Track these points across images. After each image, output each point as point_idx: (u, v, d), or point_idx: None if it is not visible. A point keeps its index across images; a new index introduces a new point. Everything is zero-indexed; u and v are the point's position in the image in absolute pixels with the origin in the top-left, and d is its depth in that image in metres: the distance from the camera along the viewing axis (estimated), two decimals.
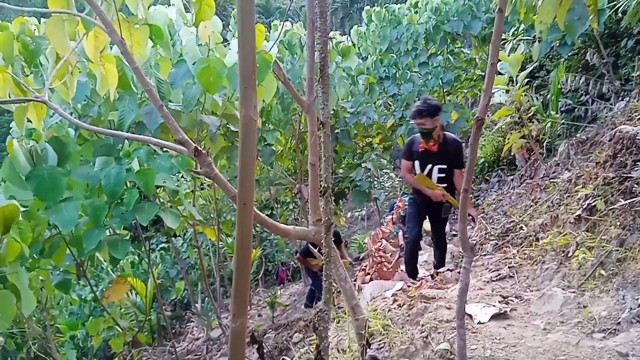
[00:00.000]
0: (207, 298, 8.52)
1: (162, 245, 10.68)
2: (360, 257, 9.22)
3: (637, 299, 2.14)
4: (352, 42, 9.16)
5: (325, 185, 1.52)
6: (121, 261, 7.13)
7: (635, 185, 2.70)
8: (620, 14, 5.97)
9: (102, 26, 1.67)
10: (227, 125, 5.34)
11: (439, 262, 4.64)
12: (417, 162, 4.27)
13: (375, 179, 9.95)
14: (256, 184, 7.57)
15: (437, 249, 4.72)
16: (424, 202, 4.34)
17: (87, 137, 4.34)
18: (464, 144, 5.45)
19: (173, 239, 7.88)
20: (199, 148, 1.89)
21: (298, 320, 5.99)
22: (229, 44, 4.81)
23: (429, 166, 4.24)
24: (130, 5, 3.15)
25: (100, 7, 1.73)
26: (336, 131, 7.98)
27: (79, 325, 7.63)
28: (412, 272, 4.51)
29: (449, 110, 8.43)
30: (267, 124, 6.48)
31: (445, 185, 4.16)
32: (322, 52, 1.32)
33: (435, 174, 4.23)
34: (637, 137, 2.89)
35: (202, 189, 7.08)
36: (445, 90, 9.34)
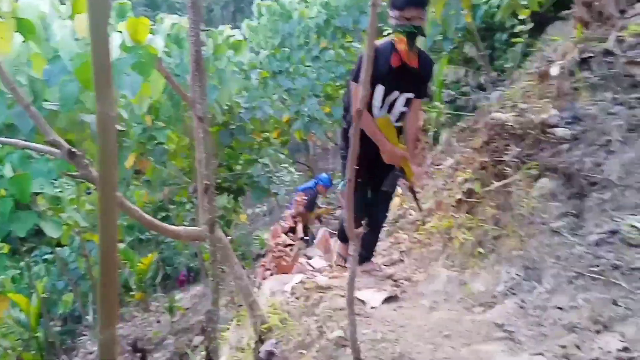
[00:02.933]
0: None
1: (47, 256, 9.91)
2: (263, 254, 9.19)
3: (510, 273, 2.32)
4: (244, 36, 9.06)
5: (207, 182, 1.47)
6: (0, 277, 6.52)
7: (507, 168, 2.92)
8: (495, 9, 6.46)
9: None
10: None
11: (367, 251, 3.25)
12: (380, 88, 2.86)
13: (274, 174, 9.95)
14: (148, 185, 7.25)
15: (369, 233, 3.03)
16: (366, 161, 2.87)
17: None
18: None
19: (58, 248, 7.34)
20: (73, 150, 1.76)
21: (199, 323, 5.84)
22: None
23: (395, 95, 2.90)
24: None
25: None
26: (231, 127, 7.85)
27: None
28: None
29: (342, 104, 8.62)
30: (156, 122, 6.21)
31: (399, 126, 3.03)
32: (195, 45, 1.27)
33: (399, 108, 2.95)
34: (506, 124, 3.12)
35: (88, 193, 6.66)
36: (337, 84, 9.54)
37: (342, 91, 10.01)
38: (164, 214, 9.03)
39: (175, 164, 7.99)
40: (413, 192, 3.19)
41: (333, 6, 8.43)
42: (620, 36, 3.23)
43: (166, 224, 2.17)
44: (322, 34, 8.67)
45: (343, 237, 3.61)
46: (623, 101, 2.80)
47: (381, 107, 2.94)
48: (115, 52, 4.31)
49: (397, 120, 2.99)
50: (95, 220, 6.71)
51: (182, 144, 7.79)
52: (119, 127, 5.38)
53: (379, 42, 2.92)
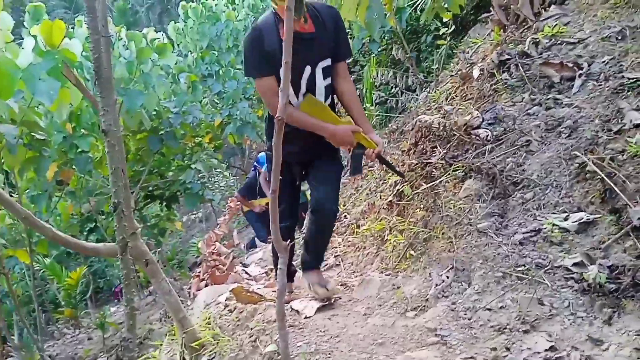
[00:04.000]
0: (25, 328, 7.57)
1: None
2: (198, 263, 8.96)
3: (441, 275, 2.34)
4: (171, 39, 8.79)
5: (116, 201, 1.36)
6: None
7: (434, 170, 2.96)
8: (419, 12, 6.61)
9: None
10: (32, 134, 4.79)
11: (313, 256, 2.69)
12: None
13: (208, 179, 9.74)
14: (73, 196, 6.88)
15: (314, 230, 2.63)
16: (297, 154, 2.50)
17: None
18: None
19: None
20: None
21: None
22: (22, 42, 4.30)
23: (307, 70, 2.39)
24: None
25: None
26: (161, 133, 7.59)
27: None
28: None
29: None
30: (78, 129, 5.89)
31: (329, 101, 2.54)
32: (94, 52, 1.17)
33: (321, 83, 2.44)
34: (432, 125, 3.17)
35: None
36: None
37: None
38: (92, 225, 8.59)
39: (102, 173, 7.62)
40: (384, 161, 2.64)
41: (260, 8, 8.34)
42: (535, 38, 3.37)
43: (84, 242, 2.03)
44: None
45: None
46: (540, 102, 2.91)
47: (297, 92, 2.42)
48: (29, 57, 4.07)
49: (326, 99, 2.49)
50: (17, 235, 6.28)
51: None
52: (38, 136, 5.07)
53: (259, 20, 2.45)
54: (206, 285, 4.74)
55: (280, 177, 1.80)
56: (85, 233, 7.87)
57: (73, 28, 6.01)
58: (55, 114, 4.78)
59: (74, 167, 6.37)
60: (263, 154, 6.47)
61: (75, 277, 8.53)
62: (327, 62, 2.43)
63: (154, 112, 7.18)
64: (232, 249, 6.02)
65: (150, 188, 8.18)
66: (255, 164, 7.64)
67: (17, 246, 5.95)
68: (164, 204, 8.74)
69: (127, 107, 5.43)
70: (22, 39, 4.49)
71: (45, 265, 7.98)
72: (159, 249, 7.75)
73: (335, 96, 2.58)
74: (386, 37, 6.83)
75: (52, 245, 8.53)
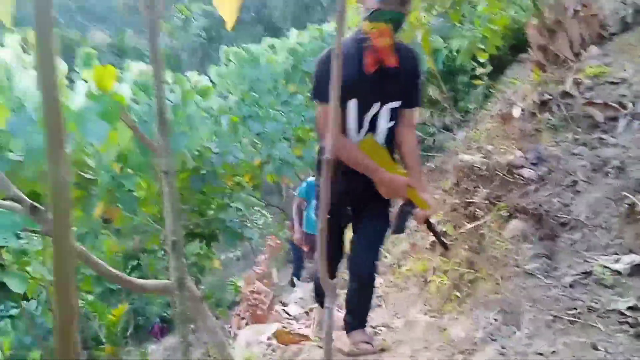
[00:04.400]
0: None
1: (13, 311, 9.47)
2: (238, 301, 9.00)
3: (488, 317, 2.30)
4: (212, 81, 9.14)
5: (175, 239, 1.43)
6: None
7: (477, 210, 2.95)
8: (455, 53, 6.70)
9: None
10: (80, 173, 5.02)
11: (356, 316, 2.51)
12: (353, 102, 2.18)
13: (247, 218, 9.88)
14: (118, 234, 7.09)
15: (355, 290, 2.48)
16: (348, 199, 2.35)
17: None
18: None
19: (25, 302, 7.04)
20: (35, 205, 1.70)
21: None
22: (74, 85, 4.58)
23: (375, 108, 2.21)
24: None
25: None
26: (202, 172, 7.81)
27: None
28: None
29: (313, 146, 8.70)
30: (125, 169, 6.13)
31: (389, 149, 2.31)
32: (158, 96, 1.26)
33: (383, 125, 2.25)
34: (474, 165, 3.18)
35: None
36: (308, 126, 9.65)
37: (312, 133, 10.12)
38: (135, 263, 8.80)
39: (146, 211, 7.85)
40: (431, 227, 2.40)
41: (300, 52, 8.62)
42: (577, 78, 3.37)
43: (132, 277, 2.10)
44: (290, 79, 8.81)
45: (321, 298, 2.68)
46: (585, 141, 2.89)
47: (359, 128, 2.22)
48: (81, 100, 4.31)
49: (385, 142, 2.27)
50: None
51: (153, 190, 7.68)
52: (86, 176, 5.30)
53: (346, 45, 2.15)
54: (247, 324, 4.77)
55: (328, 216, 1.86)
56: (128, 270, 8.06)
57: (122, 72, 6.35)
58: (103, 155, 4.98)
59: (119, 205, 6.58)
60: (304, 183, 6.17)
61: (116, 314, 8.69)
62: (397, 104, 2.24)
63: (196, 152, 7.41)
64: (272, 288, 6.04)
65: (191, 226, 8.35)
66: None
67: None
68: (204, 242, 8.89)
69: (172, 148, 5.64)
70: (72, 82, 4.77)
71: (88, 302, 8.17)
72: (200, 287, 7.84)
73: (393, 144, 2.33)
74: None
75: (96, 283, 8.76)
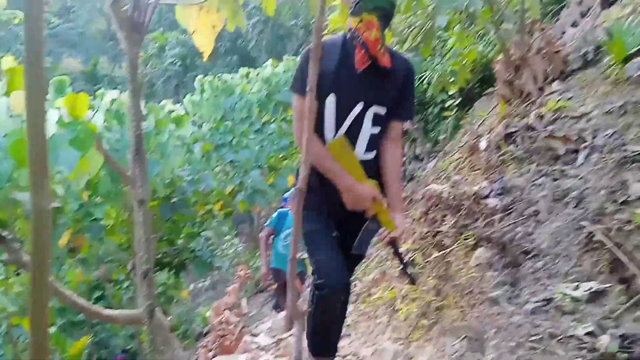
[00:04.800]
0: None
1: None
2: (204, 332, 8.83)
3: (454, 345, 2.34)
4: (186, 110, 9.15)
5: (146, 267, 1.44)
6: None
7: (445, 239, 3.02)
8: (425, 84, 6.90)
9: None
10: None
11: (325, 343, 2.16)
12: (332, 98, 2.00)
13: (217, 247, 9.79)
14: (83, 263, 6.93)
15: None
16: (332, 205, 2.08)
17: None
18: None
19: None
20: (2, 234, 1.69)
21: None
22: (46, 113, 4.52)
23: (358, 107, 2.01)
24: None
25: None
26: (173, 200, 7.75)
27: None
28: (326, 348, 2.18)
29: (286, 175, 8.74)
30: (94, 197, 6.04)
31: (371, 159, 2.09)
32: (135, 130, 1.29)
33: (367, 129, 2.04)
34: (442, 195, 3.26)
35: (17, 274, 6.25)
36: (281, 155, 9.71)
37: (285, 162, 10.17)
38: (99, 294, 8.57)
39: (113, 240, 7.71)
40: (397, 253, 2.13)
41: (274, 82, 8.75)
42: (540, 112, 3.52)
43: (102, 309, 2.07)
44: (264, 108, 8.91)
45: (317, 348, 2.17)
46: (547, 173, 3.00)
47: (336, 128, 2.01)
48: (52, 128, 4.26)
49: (368, 149, 2.05)
50: (24, 303, 6.27)
51: (121, 219, 7.56)
52: (54, 204, 5.20)
53: (327, 37, 2.14)
54: (214, 356, 4.68)
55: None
56: (92, 301, 7.84)
57: (94, 99, 6.32)
58: (73, 183, 4.91)
59: (86, 234, 6.46)
60: (276, 212, 5.58)
61: (78, 347, 8.41)
62: (382, 110, 2.04)
63: (168, 180, 7.36)
64: (242, 318, 5.96)
65: (160, 255, 8.23)
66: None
67: (24, 315, 5.93)
68: (173, 271, 8.75)
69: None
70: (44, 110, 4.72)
71: (50, 335, 7.90)
72: (168, 318, 7.67)
73: (374, 159, 2.10)
74: None
75: (59, 314, 8.49)
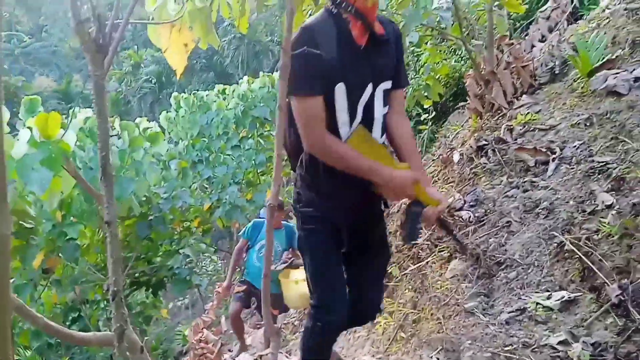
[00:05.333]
0: None
1: None
2: (184, 351, 8.69)
3: (431, 357, 2.35)
4: (162, 127, 9.09)
5: (115, 289, 1.42)
6: None
7: (421, 251, 3.04)
8: None
9: None
10: (20, 223, 4.83)
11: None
12: (341, 87, 1.72)
13: (196, 264, 9.69)
14: (58, 285, 6.77)
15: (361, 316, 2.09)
16: (343, 214, 1.90)
17: None
18: None
19: None
20: None
21: None
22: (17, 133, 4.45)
23: (368, 90, 1.78)
24: None
25: None
26: (149, 218, 7.66)
27: None
28: None
29: (264, 190, 8.72)
30: (67, 217, 5.94)
31: (384, 139, 1.90)
32: (102, 150, 1.27)
33: (379, 111, 1.83)
34: None
35: None
36: (259, 170, 9.69)
37: (263, 177, 10.15)
38: (75, 315, 8.39)
39: (88, 260, 7.56)
40: (447, 227, 2.05)
41: (250, 98, 8.77)
42: (509, 125, 3.59)
43: (72, 331, 2.03)
44: (240, 124, 8.91)
45: None
46: (518, 184, 3.05)
47: (351, 119, 1.78)
48: (23, 148, 4.20)
49: (383, 132, 1.87)
50: None
51: (97, 238, 7.43)
52: (26, 225, 5.10)
53: (308, 21, 1.79)
54: None
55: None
56: (68, 322, 7.67)
57: (67, 118, 6.24)
58: (45, 203, 4.82)
59: (60, 255, 6.34)
60: (251, 223, 5.10)
61: None
62: (388, 85, 1.83)
63: (144, 198, 7.28)
64: (220, 336, 5.89)
65: (137, 274, 8.10)
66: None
67: None
68: (150, 290, 8.61)
69: (118, 195, 5.52)
70: (15, 129, 4.63)
71: (26, 358, 7.71)
72: (146, 338, 7.52)
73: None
74: None
75: (34, 337, 8.28)
